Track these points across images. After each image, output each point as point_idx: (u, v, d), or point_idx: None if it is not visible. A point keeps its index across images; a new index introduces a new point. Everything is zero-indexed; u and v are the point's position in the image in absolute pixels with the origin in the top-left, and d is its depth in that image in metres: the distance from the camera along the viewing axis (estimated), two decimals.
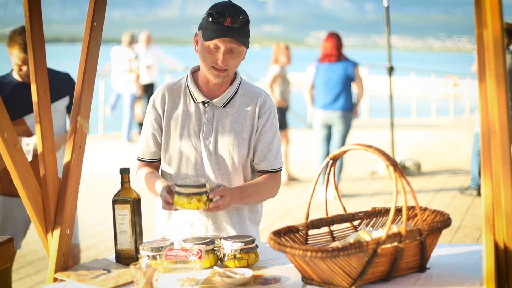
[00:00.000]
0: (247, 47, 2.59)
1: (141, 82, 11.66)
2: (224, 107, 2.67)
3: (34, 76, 2.49)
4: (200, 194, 2.41)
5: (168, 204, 2.48)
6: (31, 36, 2.47)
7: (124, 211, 2.46)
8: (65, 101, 3.98)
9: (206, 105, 2.66)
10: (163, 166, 2.75)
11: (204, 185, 2.42)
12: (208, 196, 2.42)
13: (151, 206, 2.88)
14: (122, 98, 11.98)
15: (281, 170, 2.75)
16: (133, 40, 11.47)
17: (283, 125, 8.48)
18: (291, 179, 8.71)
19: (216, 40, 2.51)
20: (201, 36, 2.57)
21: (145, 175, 2.73)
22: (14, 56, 3.81)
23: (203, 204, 2.41)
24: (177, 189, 2.43)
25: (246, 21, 2.55)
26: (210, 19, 2.51)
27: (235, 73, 2.72)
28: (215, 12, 2.51)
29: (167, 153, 2.71)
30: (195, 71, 2.74)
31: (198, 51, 2.60)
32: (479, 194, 7.50)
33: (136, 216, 2.48)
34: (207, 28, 2.53)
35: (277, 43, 8.68)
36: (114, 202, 2.47)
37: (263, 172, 2.73)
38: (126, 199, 2.46)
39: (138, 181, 2.80)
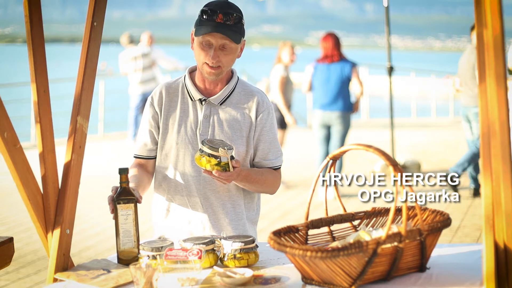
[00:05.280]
0: (238, 43, 2.61)
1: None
2: (221, 104, 2.69)
3: (34, 76, 2.49)
4: (214, 157, 2.46)
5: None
6: (31, 36, 2.47)
7: (128, 211, 2.46)
8: None
9: (203, 102, 2.69)
10: (159, 163, 2.76)
11: (218, 150, 2.46)
12: (220, 162, 2.47)
13: (149, 206, 2.88)
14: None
15: (280, 167, 2.77)
16: (132, 40, 11.38)
17: (283, 125, 8.47)
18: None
19: (208, 36, 2.57)
20: (194, 33, 2.61)
21: (130, 177, 2.66)
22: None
23: (210, 166, 2.47)
24: (202, 141, 2.51)
25: (239, 18, 2.59)
26: (203, 15, 2.58)
27: (232, 72, 2.74)
28: (208, 9, 2.57)
29: (163, 150, 2.72)
30: (193, 71, 2.78)
31: (193, 48, 2.64)
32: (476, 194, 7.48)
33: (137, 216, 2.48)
34: (200, 25, 2.58)
35: (284, 42, 8.66)
36: (117, 202, 2.46)
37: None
38: (129, 198, 2.46)
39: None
